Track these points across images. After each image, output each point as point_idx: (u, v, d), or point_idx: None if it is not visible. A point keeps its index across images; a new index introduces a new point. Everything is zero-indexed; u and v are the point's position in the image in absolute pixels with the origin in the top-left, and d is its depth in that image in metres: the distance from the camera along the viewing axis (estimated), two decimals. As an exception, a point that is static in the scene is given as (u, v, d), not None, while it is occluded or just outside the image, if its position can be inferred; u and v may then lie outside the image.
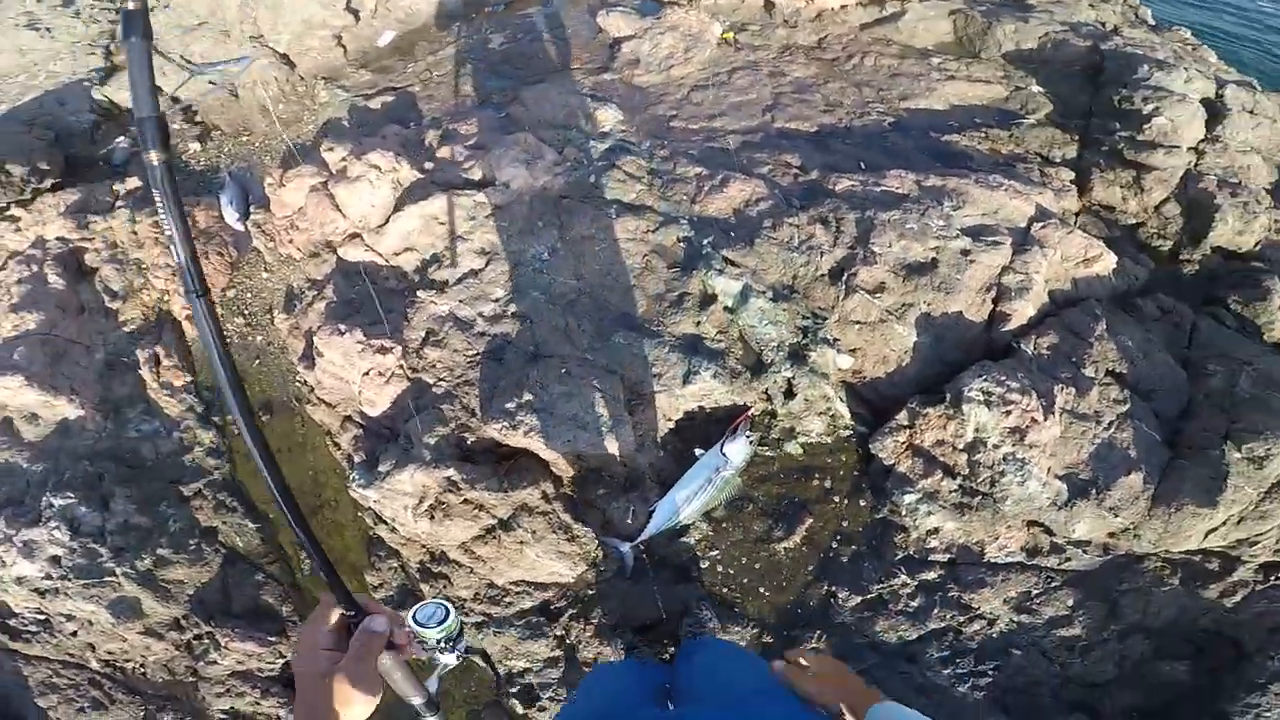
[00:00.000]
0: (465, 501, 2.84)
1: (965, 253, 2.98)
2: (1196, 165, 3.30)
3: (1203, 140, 3.30)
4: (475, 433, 2.95)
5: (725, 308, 3.02)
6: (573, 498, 2.98)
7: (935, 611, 2.72)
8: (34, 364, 3.25)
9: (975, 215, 3.08)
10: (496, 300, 3.09)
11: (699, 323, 2.98)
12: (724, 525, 2.91)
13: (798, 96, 3.60)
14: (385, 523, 3.11)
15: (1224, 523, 2.61)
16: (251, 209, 3.71)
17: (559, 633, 2.89)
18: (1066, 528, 2.67)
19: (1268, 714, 2.43)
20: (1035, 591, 2.71)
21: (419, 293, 3.18)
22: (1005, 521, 2.73)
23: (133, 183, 3.80)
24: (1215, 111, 3.45)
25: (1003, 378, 2.76)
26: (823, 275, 3.05)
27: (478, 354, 3.03)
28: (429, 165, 3.41)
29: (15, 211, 3.74)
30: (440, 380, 3.04)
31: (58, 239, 3.61)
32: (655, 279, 3.06)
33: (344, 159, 3.45)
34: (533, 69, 4.00)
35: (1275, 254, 3.14)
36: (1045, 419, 2.69)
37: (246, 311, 3.64)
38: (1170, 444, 2.78)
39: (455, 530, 2.89)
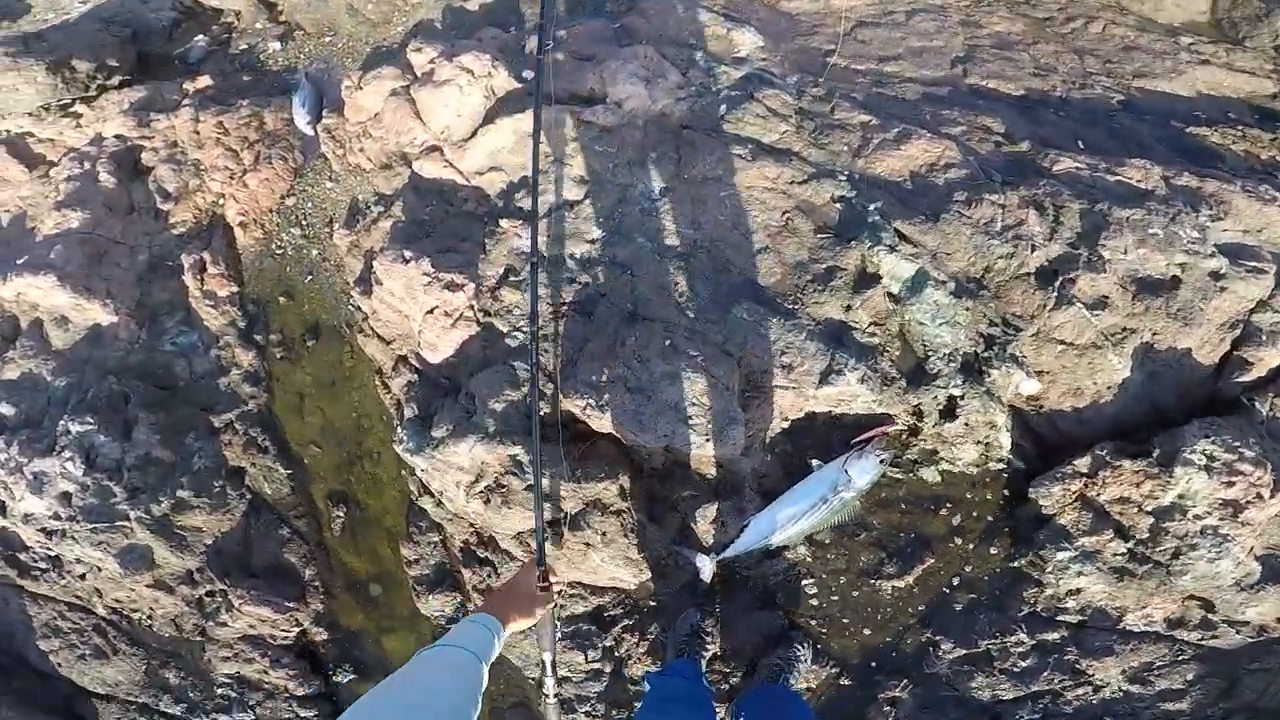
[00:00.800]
0: (530, 488, 2.35)
1: (1216, 275, 2.32)
2: None
3: None
4: (551, 403, 2.43)
5: (889, 294, 2.37)
6: (653, 495, 2.45)
7: (1044, 674, 2.26)
8: (70, 263, 2.91)
9: (1235, 231, 2.40)
10: (593, 241, 2.50)
11: (849, 307, 2.34)
12: (827, 551, 2.39)
13: (998, 53, 2.88)
14: (431, 494, 2.68)
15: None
16: (324, 112, 3.24)
17: (608, 643, 2.46)
18: (1239, 610, 2.18)
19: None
20: (1160, 664, 2.25)
21: (501, 221, 2.61)
22: (1171, 594, 2.20)
23: (204, 81, 3.39)
24: None
25: (1235, 443, 2.16)
26: (1027, 274, 2.36)
27: (564, 303, 2.48)
28: (528, 74, 2.81)
29: (79, 108, 3.41)
30: (516, 330, 2.51)
31: (116, 136, 3.28)
32: (797, 244, 2.40)
33: (432, 61, 2.87)
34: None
35: None
36: (1272, 496, 2.13)
37: (304, 222, 3.21)
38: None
39: (513, 519, 2.42)
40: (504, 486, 2.40)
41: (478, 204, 2.78)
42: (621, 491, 2.38)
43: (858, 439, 2.31)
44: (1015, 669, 2.28)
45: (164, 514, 2.65)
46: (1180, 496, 2.19)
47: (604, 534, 2.35)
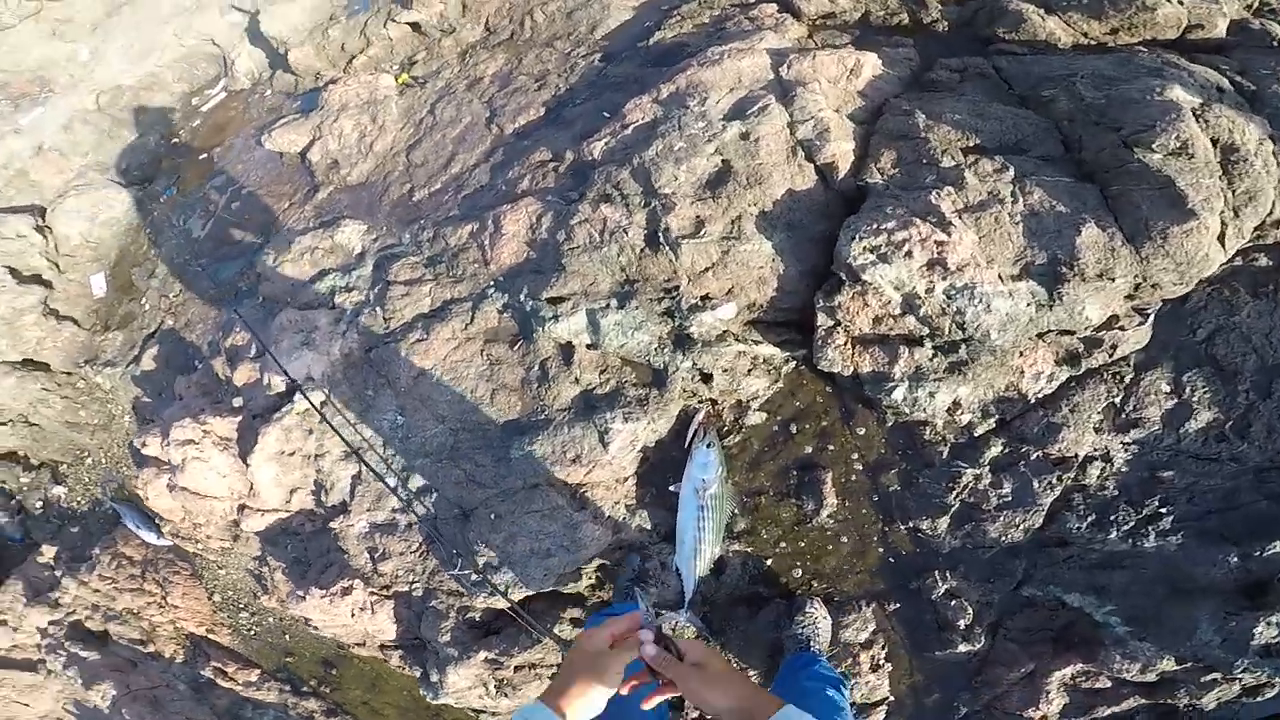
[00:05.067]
0: (519, 667, 2.46)
1: (745, 136, 2.31)
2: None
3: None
4: (477, 607, 2.53)
5: (588, 346, 2.34)
6: (605, 603, 2.53)
7: (1034, 485, 2.09)
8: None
9: (724, 95, 2.41)
10: (388, 493, 2.56)
11: (576, 379, 2.31)
12: (754, 532, 2.37)
13: (506, 91, 2.87)
14: (479, 709, 2.82)
15: (1224, 224, 1.97)
16: (158, 521, 3.31)
17: (694, 715, 2.48)
18: (1078, 318, 2.00)
19: None
20: (1116, 398, 2.04)
21: (332, 525, 2.69)
22: (1011, 353, 2.07)
23: (49, 551, 3.44)
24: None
25: (873, 224, 2.06)
26: (641, 249, 2.31)
27: (419, 545, 2.56)
28: (238, 401, 2.82)
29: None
30: (412, 584, 2.60)
31: (47, 625, 3.36)
32: (508, 368, 2.39)
33: (163, 448, 2.93)
34: (251, 231, 3.26)
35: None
36: (949, 233, 2.01)
37: (241, 604, 3.41)
38: (1089, 178, 2.12)
39: (532, 690, 2.54)
40: (502, 678, 2.52)
41: (311, 521, 2.81)
42: (575, 620, 2.45)
43: (686, 444, 2.30)
44: (1008, 498, 2.09)
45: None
46: (897, 288, 2.07)
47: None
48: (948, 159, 2.19)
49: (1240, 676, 1.94)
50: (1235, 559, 1.93)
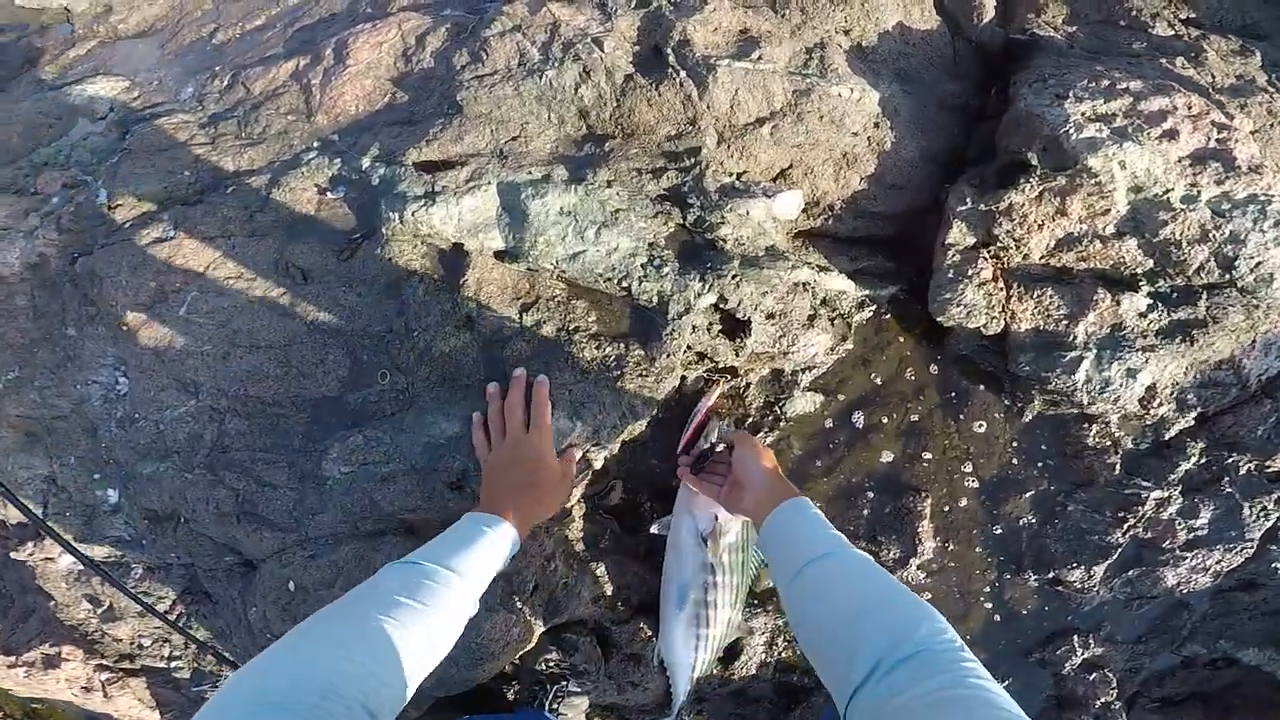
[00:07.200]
0: None
1: None
2: None
3: None
4: None
5: (496, 254, 1.21)
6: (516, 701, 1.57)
7: (1244, 512, 1.33)
8: None
9: None
10: (115, 510, 1.33)
11: (469, 316, 1.18)
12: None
13: None
14: None
15: None
16: None
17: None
18: None
19: None
20: None
21: (17, 555, 1.47)
22: (1272, 313, 1.28)
23: None
24: None
25: (1105, 83, 1.22)
26: (629, 78, 1.25)
27: (182, 595, 1.40)
28: None
29: None
30: (172, 660, 1.52)
31: None
32: (323, 291, 1.23)
33: None
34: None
35: None
36: (1232, 115, 1.24)
37: None
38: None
39: None
40: None
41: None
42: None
43: (680, 449, 1.26)
44: (1203, 532, 1.40)
45: None
46: (1136, 189, 1.19)
47: None
48: (1161, 25, 1.48)
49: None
50: None
